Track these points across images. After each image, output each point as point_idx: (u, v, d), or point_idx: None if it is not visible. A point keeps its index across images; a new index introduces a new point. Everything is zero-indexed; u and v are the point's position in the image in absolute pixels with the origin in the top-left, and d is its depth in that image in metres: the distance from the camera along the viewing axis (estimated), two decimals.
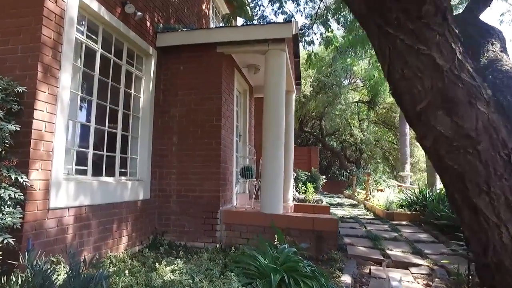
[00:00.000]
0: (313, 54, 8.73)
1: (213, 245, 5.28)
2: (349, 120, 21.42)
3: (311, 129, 24.03)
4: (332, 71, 17.21)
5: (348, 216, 8.66)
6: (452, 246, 5.73)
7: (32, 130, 3.16)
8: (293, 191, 9.53)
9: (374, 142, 21.33)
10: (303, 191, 11.01)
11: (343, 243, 5.69)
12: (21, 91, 3.12)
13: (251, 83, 8.44)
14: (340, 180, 24.17)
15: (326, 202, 11.89)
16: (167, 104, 5.88)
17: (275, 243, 4.25)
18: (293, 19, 7.06)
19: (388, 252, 5.39)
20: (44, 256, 3.05)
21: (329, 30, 7.00)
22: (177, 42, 5.84)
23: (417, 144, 15.67)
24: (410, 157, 17.52)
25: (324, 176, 17.05)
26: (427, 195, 8.31)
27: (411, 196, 8.81)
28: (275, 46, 5.61)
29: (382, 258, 5.10)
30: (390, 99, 20.64)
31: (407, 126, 16.30)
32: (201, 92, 5.80)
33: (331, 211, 9.02)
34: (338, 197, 16.92)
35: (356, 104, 22.58)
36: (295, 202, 9.05)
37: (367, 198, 11.75)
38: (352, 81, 21.71)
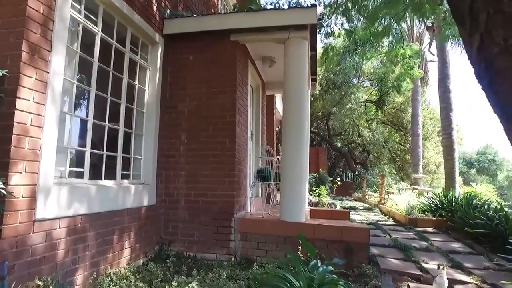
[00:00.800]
0: (330, 47, 8.11)
1: (226, 257, 4.65)
2: (356, 121, 20.79)
3: (317, 129, 23.41)
4: (341, 69, 16.60)
5: (367, 222, 8.03)
6: (495, 260, 5.11)
7: (14, 124, 2.55)
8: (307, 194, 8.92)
9: (383, 143, 20.70)
10: (317, 194, 10.37)
11: (372, 254, 5.06)
12: (0, 74, 2.51)
13: (263, 78, 7.83)
14: (345, 181, 23.55)
15: (339, 206, 11.24)
16: (175, 98, 5.26)
17: (302, 258, 3.63)
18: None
19: (424, 265, 4.76)
20: (28, 279, 2.43)
21: (350, 19, 6.38)
22: (186, 29, 5.23)
23: (427, 145, 14.92)
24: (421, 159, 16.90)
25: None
26: (454, 199, 7.67)
27: (435, 200, 8.17)
28: (296, 33, 5.00)
29: (419, 273, 4.47)
30: (399, 99, 20.05)
31: (419, 126, 15.70)
32: (213, 85, 5.19)
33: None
34: (347, 199, 16.27)
35: (364, 104, 21.97)
36: (311, 207, 8.42)
37: (382, 202, 11.11)
38: (361, 81, 21.11)
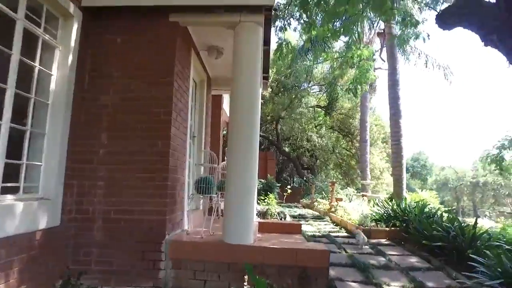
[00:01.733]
0: (284, 44, 7.44)
1: None
2: (305, 125, 20.62)
3: (266, 133, 22.92)
4: (292, 72, 16.21)
5: (319, 234, 7.46)
6: (453, 274, 4.75)
7: None
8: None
9: (331, 149, 20.75)
10: (266, 203, 9.66)
11: (330, 278, 4.39)
12: None
13: (209, 73, 6.93)
14: (292, 186, 23.33)
15: (289, 215, 10.65)
16: (95, 89, 4.18)
17: None
18: None
19: None
20: None
21: (309, 10, 5.74)
22: (113, 1, 4.19)
23: (373, 151, 14.91)
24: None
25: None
26: (407, 208, 7.38)
27: (387, 209, 7.84)
28: (249, 17, 4.20)
29: None
30: (347, 105, 20.23)
31: (367, 132, 15.79)
32: (146, 75, 4.21)
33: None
34: (296, 206, 15.85)
35: (314, 109, 21.91)
36: (259, 219, 7.65)
37: (332, 210, 10.72)
38: (311, 85, 21.00)
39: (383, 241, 6.96)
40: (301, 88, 17.58)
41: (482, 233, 5.53)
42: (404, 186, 10.67)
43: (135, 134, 4.06)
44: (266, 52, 7.17)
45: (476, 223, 5.72)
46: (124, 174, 3.97)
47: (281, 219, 8.61)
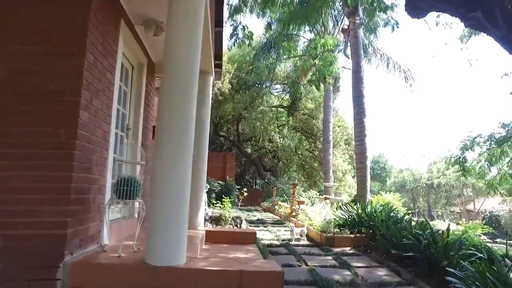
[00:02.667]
0: (241, 28, 6.56)
1: None
2: (267, 126, 19.93)
3: (227, 134, 21.98)
4: (254, 68, 15.43)
5: (277, 243, 6.63)
6: None
7: None
8: (206, 209, 7.20)
9: (294, 150, 20.19)
10: (219, 207, 8.73)
11: None
12: None
13: (151, 56, 5.90)
14: (254, 189, 22.55)
15: (245, 220, 9.78)
16: None
17: None
18: None
19: None
20: None
21: None
22: None
23: (336, 153, 14.34)
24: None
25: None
26: (373, 213, 6.75)
27: (352, 214, 7.19)
28: None
29: None
30: (310, 105, 19.79)
31: (331, 133, 15.33)
32: (46, 41, 3.15)
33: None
34: (256, 210, 15.04)
35: (276, 108, 21.28)
36: (208, 227, 6.71)
37: (293, 214, 9.99)
38: (273, 84, 20.37)
39: (347, 249, 6.26)
40: (263, 86, 16.85)
41: (455, 241, 4.96)
42: (369, 188, 10.18)
43: (29, 120, 3.00)
44: (219, 35, 6.30)
45: (448, 229, 5.15)
46: (10, 172, 2.90)
47: (236, 225, 7.72)
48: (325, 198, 10.96)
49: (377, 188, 55.60)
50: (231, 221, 7.90)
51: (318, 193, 15.99)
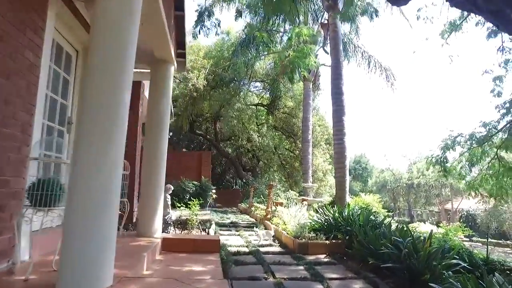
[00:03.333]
0: (207, 14, 5.86)
1: None
2: (246, 125, 19.32)
3: (205, 132, 21.24)
4: (231, 64, 14.77)
5: (246, 251, 6.01)
6: None
7: None
8: (169, 212, 6.51)
9: (273, 149, 19.64)
10: (189, 209, 8.05)
11: None
12: None
13: None
14: (234, 189, 21.93)
15: (216, 223, 9.14)
16: None
17: None
18: None
19: None
20: None
21: None
22: None
23: (316, 153, 13.84)
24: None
25: (214, 188, 14.42)
26: (350, 217, 6.23)
27: (328, 218, 6.66)
28: None
29: None
30: (290, 103, 19.29)
31: (310, 132, 14.85)
32: None
33: (221, 240, 6.40)
34: (232, 212, 14.41)
35: (255, 107, 20.69)
36: (169, 233, 6.05)
37: (269, 217, 9.41)
38: (253, 81, 19.77)
39: (322, 257, 5.71)
40: (242, 83, 16.22)
41: (437, 250, 4.46)
42: (347, 189, 9.70)
43: None
44: (180, 20, 5.65)
45: (431, 237, 4.65)
46: None
47: (204, 230, 7.08)
48: (303, 200, 10.42)
49: (358, 188, 55.88)
50: (198, 225, 7.26)
51: (297, 194, 15.50)
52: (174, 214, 6.73)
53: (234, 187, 23.03)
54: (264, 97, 20.88)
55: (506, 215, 24.94)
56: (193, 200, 8.08)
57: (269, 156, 20.40)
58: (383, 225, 5.85)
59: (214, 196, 13.16)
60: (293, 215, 7.88)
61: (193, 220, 7.13)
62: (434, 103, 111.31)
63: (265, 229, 8.73)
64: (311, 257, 5.66)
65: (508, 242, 25.84)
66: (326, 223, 6.56)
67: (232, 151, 20.48)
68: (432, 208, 43.24)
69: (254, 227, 9.18)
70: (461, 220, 34.36)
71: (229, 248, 6.09)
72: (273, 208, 9.99)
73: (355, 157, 62.17)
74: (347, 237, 5.82)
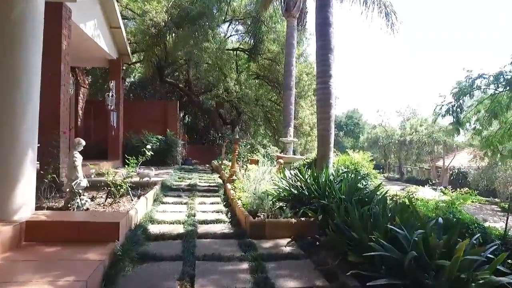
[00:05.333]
0: None
1: None
2: (226, 72, 16.98)
3: (178, 81, 18.79)
4: None
5: (178, 232, 4.17)
6: None
7: None
8: (78, 177, 4.58)
9: (255, 100, 17.49)
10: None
11: None
12: None
13: None
14: (216, 144, 20.06)
15: (167, 186, 7.31)
16: None
17: None
18: None
19: None
20: None
21: None
22: None
23: (302, 104, 11.48)
24: (294, 119, 14.14)
25: (181, 141, 12.47)
26: (328, 186, 4.36)
27: (299, 185, 4.80)
28: None
29: None
30: (274, 47, 16.84)
31: (293, 78, 12.67)
32: None
33: (156, 213, 4.67)
34: (202, 170, 12.60)
35: (235, 52, 18.18)
36: (41, 213, 4.11)
37: (232, 178, 7.58)
38: (231, 20, 17.11)
39: (283, 244, 3.90)
40: (215, 21, 13.64)
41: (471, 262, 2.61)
42: (332, 145, 7.80)
43: None
44: None
45: (457, 228, 2.80)
46: None
47: (139, 197, 5.27)
48: (278, 158, 8.57)
49: (349, 145, 54.76)
50: (128, 191, 5.39)
51: (280, 150, 13.70)
52: (85, 180, 4.81)
53: (218, 142, 21.16)
54: (246, 42, 18.33)
55: (499, 174, 23.86)
56: (160, 157, 6.17)
57: (252, 108, 18.29)
58: (375, 198, 4.00)
59: (183, 152, 11.27)
60: (257, 179, 6.04)
61: (122, 184, 5.23)
62: (438, 55, 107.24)
63: (224, 194, 6.94)
64: (268, 244, 3.86)
65: (496, 199, 25.15)
66: (296, 192, 4.70)
67: (210, 103, 18.28)
68: (422, 165, 42.46)
69: (217, 192, 7.39)
70: (452, 178, 33.67)
71: (152, 227, 4.27)
72: (243, 168, 8.14)
73: (347, 112, 60.41)
74: (321, 215, 3.97)
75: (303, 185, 4.72)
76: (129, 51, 11.17)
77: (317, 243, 3.81)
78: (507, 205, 22.46)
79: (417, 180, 40.12)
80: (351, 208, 3.38)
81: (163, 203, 5.91)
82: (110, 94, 10.63)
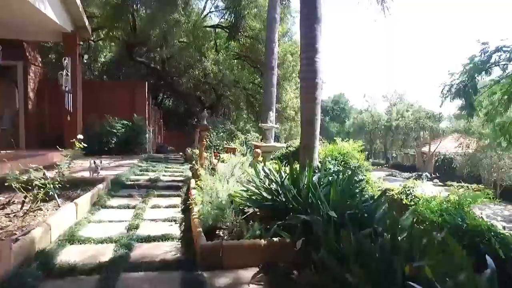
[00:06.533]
0: None
1: None
2: (202, 50, 15.51)
3: (148, 60, 17.16)
4: None
5: (96, 261, 2.97)
6: None
7: None
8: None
9: (234, 82, 16.12)
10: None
11: None
12: None
13: None
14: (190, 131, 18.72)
15: (119, 183, 6.04)
16: None
17: None
18: None
19: None
20: None
21: None
22: None
23: (286, 87, 9.88)
24: (276, 103, 12.92)
25: (152, 127, 11.16)
26: (313, 190, 3.19)
27: (273, 186, 3.63)
28: None
29: None
30: (256, 24, 15.43)
31: (275, 56, 11.38)
32: None
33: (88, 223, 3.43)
34: (174, 159, 11.33)
35: (214, 30, 16.68)
36: None
37: (199, 173, 6.38)
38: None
39: (247, 277, 2.72)
40: None
41: None
42: (318, 132, 6.64)
43: None
44: None
45: None
46: None
47: (70, 200, 4.03)
48: (255, 147, 7.38)
49: (335, 130, 54.05)
50: (54, 194, 4.14)
51: (259, 137, 12.52)
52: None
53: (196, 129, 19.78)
54: (227, 20, 16.81)
55: (486, 161, 23.40)
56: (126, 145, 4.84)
57: (232, 91, 16.94)
58: (378, 211, 2.84)
59: (159, 138, 9.95)
60: (224, 175, 4.86)
61: (43, 183, 3.94)
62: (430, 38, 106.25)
63: (187, 195, 5.72)
64: (224, 279, 2.69)
65: (480, 186, 24.87)
66: (270, 198, 3.53)
67: (186, 85, 16.81)
68: (407, 151, 42.14)
69: (181, 189, 6.17)
70: (437, 164, 33.33)
71: (66, 253, 3.03)
72: (209, 161, 6.92)
73: (333, 97, 59.37)
74: (303, 234, 2.81)
75: (279, 189, 3.54)
76: (86, 23, 9.63)
77: (295, 283, 2.66)
78: (491, 192, 22.21)
79: (402, 166, 39.84)
80: (345, 234, 2.21)
81: (105, 207, 4.66)
82: (64, 73, 9.17)
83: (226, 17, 16.58)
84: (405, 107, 41.65)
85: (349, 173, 3.55)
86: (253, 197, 3.73)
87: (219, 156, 7.67)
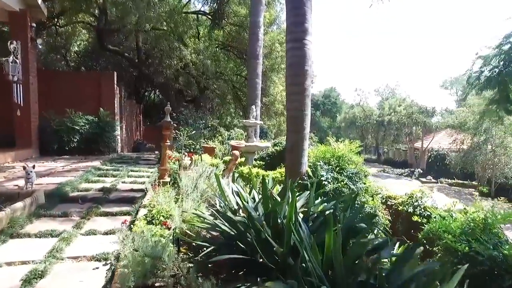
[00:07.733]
0: None
1: None
2: (183, 38, 14.16)
3: (124, 50, 15.79)
4: None
5: None
6: None
7: None
8: None
9: (216, 72, 14.83)
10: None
11: None
12: None
13: None
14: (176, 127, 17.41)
15: (60, 195, 4.78)
16: None
17: None
18: None
19: None
20: None
21: None
22: None
23: (275, 79, 8.19)
24: (264, 96, 11.69)
25: (123, 124, 9.88)
26: (298, 230, 2.01)
27: (239, 218, 2.43)
28: None
29: None
30: (242, 10, 14.13)
31: (261, 43, 10.12)
32: None
33: None
34: (146, 160, 10.04)
35: (196, 17, 15.33)
36: None
37: (163, 178, 5.17)
38: None
39: None
40: None
41: None
42: (307, 130, 5.45)
43: None
44: None
45: None
46: None
47: None
48: (233, 149, 6.19)
49: (326, 125, 53.06)
50: None
51: (243, 134, 11.32)
52: None
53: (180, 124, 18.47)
54: (210, 6, 15.49)
55: (480, 157, 22.66)
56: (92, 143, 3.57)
57: (216, 84, 15.65)
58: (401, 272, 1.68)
59: (136, 135, 8.67)
60: (184, 190, 3.65)
61: None
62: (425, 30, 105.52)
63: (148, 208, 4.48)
64: None
65: (474, 182, 24.18)
66: (235, 235, 2.33)
67: (164, 76, 15.41)
68: (399, 146, 41.46)
69: (137, 203, 4.92)
70: (430, 160, 32.58)
71: None
72: (180, 162, 5.70)
73: (324, 91, 58.28)
74: None
75: (246, 221, 2.34)
76: (39, 1, 8.26)
77: None
78: (485, 189, 21.52)
79: (394, 161, 39.11)
80: None
81: (17, 237, 3.41)
82: (11, 60, 7.80)
83: (208, 1, 15.25)
84: (397, 102, 40.90)
85: (353, 196, 2.37)
86: (210, 229, 2.53)
87: (192, 158, 6.46)
